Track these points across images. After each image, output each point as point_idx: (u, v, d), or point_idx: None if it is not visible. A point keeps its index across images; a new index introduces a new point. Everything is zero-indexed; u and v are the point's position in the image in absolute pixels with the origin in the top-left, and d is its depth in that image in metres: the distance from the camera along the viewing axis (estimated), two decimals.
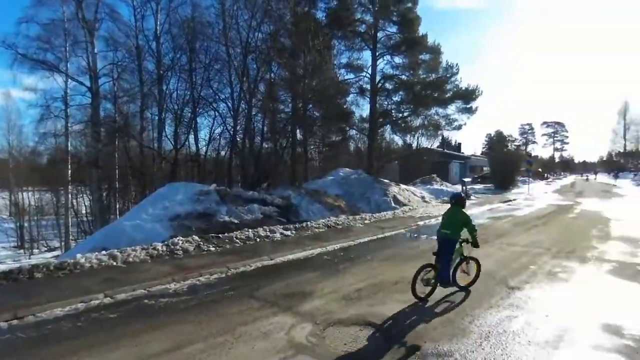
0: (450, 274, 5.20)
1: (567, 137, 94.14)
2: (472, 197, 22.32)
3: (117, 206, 19.15)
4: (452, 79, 23.72)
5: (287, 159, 22.10)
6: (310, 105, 22.61)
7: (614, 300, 5.10)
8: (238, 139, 17.30)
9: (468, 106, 24.03)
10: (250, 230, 9.90)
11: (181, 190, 11.57)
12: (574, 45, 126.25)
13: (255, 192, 12.96)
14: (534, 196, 25.42)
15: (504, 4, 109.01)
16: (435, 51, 23.27)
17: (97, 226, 16.43)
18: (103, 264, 6.97)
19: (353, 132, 27.47)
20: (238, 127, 17.40)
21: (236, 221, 10.72)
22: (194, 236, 8.87)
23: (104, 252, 7.51)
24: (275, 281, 6.21)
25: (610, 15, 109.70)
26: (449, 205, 5.63)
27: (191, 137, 18.70)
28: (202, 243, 8.59)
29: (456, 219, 5.25)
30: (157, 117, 18.19)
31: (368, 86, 24.49)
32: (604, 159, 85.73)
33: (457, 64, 23.39)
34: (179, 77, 17.45)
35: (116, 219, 15.18)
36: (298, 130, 22.44)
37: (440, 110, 24.90)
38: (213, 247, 8.55)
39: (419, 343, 3.90)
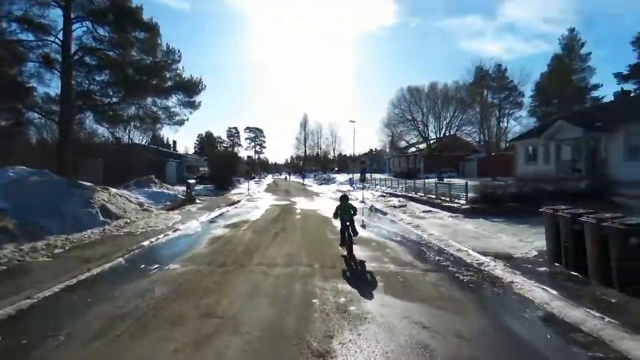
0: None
1: (265, 141, 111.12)
2: (197, 200, 20.32)
3: None
4: (174, 66, 21.00)
5: None
6: None
7: (420, 340, 4.10)
8: None
9: (191, 100, 21.95)
10: None
11: None
12: (285, 57, 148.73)
13: None
14: (253, 197, 26.19)
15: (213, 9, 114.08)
16: (153, 30, 19.77)
17: None
18: None
19: (35, 115, 19.96)
20: None
21: None
22: None
23: None
24: None
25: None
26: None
27: None
28: None
29: (349, 207, 8.41)
30: None
31: (59, 56, 18.22)
32: (289, 161, 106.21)
33: (179, 50, 20.85)
34: None
35: None
36: None
37: (158, 101, 21.67)
38: None
39: None
